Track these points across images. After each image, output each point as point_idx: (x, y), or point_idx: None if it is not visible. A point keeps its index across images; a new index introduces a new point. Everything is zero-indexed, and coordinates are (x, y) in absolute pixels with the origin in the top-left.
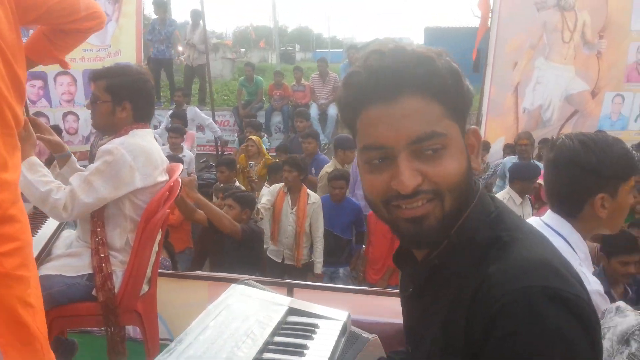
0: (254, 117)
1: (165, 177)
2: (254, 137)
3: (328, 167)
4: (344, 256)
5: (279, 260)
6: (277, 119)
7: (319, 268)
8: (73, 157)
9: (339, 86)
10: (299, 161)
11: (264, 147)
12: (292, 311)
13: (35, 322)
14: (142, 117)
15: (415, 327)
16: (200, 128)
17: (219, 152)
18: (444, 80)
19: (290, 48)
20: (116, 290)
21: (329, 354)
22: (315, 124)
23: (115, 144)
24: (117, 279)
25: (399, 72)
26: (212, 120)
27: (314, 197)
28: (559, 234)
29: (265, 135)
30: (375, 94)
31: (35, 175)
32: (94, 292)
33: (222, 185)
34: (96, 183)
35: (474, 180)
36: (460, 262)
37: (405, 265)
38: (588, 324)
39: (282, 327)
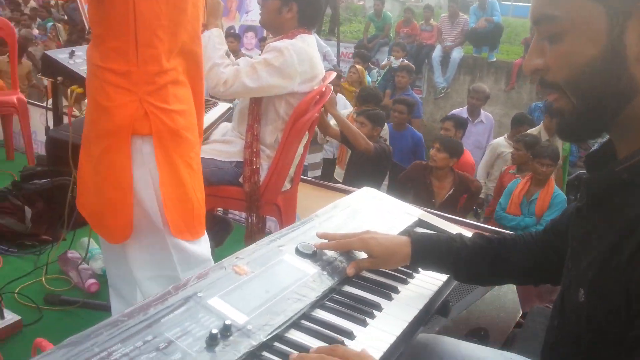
0: (367, 49)
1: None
2: (358, 66)
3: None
4: None
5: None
6: None
7: None
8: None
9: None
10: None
11: (367, 78)
12: (421, 223)
13: (193, 184)
14: (307, 23)
15: (576, 247)
16: (325, 57)
17: None
18: None
19: None
20: (261, 182)
21: None
22: (437, 66)
23: (285, 44)
24: (263, 172)
25: None
26: (329, 49)
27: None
28: None
29: (377, 69)
30: None
31: (218, 44)
32: (240, 179)
33: None
34: (261, 71)
35: None
36: None
37: (594, 170)
38: None
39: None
